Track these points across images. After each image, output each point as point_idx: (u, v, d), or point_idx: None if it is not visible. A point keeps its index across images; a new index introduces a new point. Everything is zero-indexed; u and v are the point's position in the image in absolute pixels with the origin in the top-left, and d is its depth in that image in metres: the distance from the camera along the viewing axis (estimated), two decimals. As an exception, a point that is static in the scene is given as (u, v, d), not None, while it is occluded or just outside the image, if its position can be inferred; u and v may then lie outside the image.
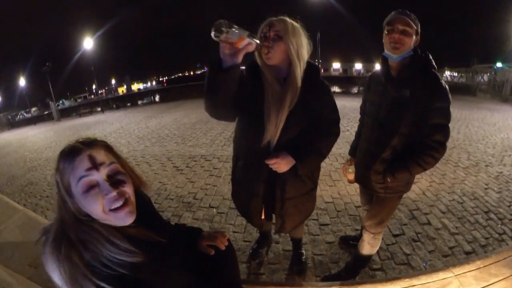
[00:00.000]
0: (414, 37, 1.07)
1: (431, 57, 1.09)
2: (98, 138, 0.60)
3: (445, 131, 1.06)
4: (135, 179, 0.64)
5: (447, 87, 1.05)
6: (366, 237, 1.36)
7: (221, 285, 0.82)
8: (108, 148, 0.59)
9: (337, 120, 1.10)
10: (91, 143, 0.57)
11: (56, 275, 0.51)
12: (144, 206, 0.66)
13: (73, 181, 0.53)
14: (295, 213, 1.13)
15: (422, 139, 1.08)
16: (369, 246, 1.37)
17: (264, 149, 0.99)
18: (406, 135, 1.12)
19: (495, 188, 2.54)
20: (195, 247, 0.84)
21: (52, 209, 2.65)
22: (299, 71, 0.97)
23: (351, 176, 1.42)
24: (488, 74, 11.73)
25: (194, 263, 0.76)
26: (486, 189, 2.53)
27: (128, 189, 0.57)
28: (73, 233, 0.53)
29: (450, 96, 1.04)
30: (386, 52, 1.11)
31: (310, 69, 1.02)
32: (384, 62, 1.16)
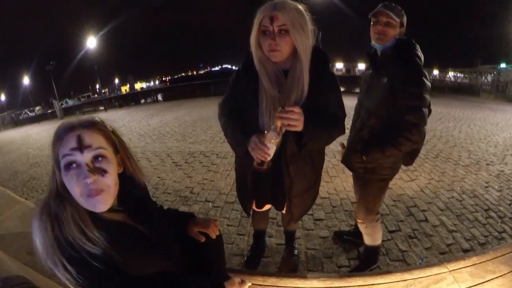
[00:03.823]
0: (398, 29, 1.12)
1: (416, 46, 1.12)
2: (101, 121, 0.60)
3: (416, 112, 1.06)
4: (129, 168, 0.64)
5: (424, 72, 1.08)
6: (362, 228, 1.38)
7: (207, 271, 0.82)
8: (104, 132, 0.58)
9: (342, 116, 0.98)
10: (87, 124, 0.56)
11: (37, 241, 0.52)
12: (135, 194, 0.66)
13: (60, 155, 0.54)
14: (302, 205, 1.11)
15: (396, 120, 1.11)
16: (369, 237, 1.37)
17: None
18: (384, 117, 1.15)
19: (496, 187, 2.50)
20: (185, 232, 0.83)
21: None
22: (307, 64, 0.85)
23: None
24: (492, 74, 11.60)
25: (181, 248, 0.75)
26: (486, 187, 2.50)
27: (109, 180, 0.56)
28: (53, 206, 0.54)
29: (425, 81, 1.07)
30: (372, 42, 1.17)
31: (318, 58, 0.88)
32: (375, 51, 1.20)
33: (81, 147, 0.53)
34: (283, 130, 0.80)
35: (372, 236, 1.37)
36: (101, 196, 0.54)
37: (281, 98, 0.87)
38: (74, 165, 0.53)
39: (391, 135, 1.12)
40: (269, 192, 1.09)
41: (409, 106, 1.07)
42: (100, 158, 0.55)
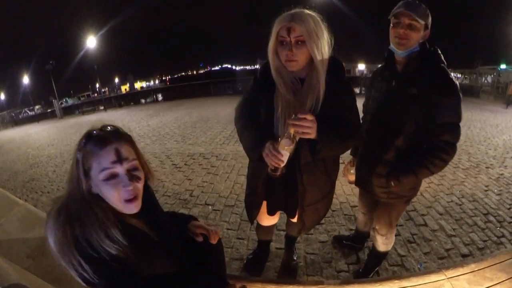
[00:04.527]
0: (422, 32, 0.97)
1: (439, 52, 1.01)
2: (122, 130, 0.65)
3: (455, 131, 0.97)
4: (147, 172, 0.70)
5: (457, 83, 0.97)
6: (379, 238, 1.33)
7: (207, 274, 0.84)
8: (131, 143, 0.65)
9: (357, 124, 0.98)
10: (119, 136, 0.62)
11: (51, 239, 0.56)
12: (148, 198, 0.71)
13: (96, 167, 0.58)
14: (315, 213, 1.10)
15: (429, 139, 0.99)
16: (385, 245, 1.35)
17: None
18: (412, 135, 1.03)
19: (495, 190, 2.51)
20: (185, 233, 0.85)
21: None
22: (323, 73, 0.86)
23: (353, 177, 1.37)
24: (492, 75, 11.59)
25: (182, 251, 0.78)
26: (486, 191, 2.50)
27: (140, 185, 0.64)
28: (75, 208, 0.58)
29: (460, 92, 0.96)
30: (392, 46, 1.03)
31: (334, 67, 0.90)
32: (390, 56, 1.07)
33: (121, 160, 0.60)
34: (297, 138, 0.81)
35: (388, 244, 1.35)
36: (137, 201, 0.63)
37: (296, 105, 0.89)
38: (114, 175, 0.60)
39: (423, 156, 1.00)
40: (282, 199, 1.09)
41: (447, 123, 0.96)
42: (133, 168, 0.62)
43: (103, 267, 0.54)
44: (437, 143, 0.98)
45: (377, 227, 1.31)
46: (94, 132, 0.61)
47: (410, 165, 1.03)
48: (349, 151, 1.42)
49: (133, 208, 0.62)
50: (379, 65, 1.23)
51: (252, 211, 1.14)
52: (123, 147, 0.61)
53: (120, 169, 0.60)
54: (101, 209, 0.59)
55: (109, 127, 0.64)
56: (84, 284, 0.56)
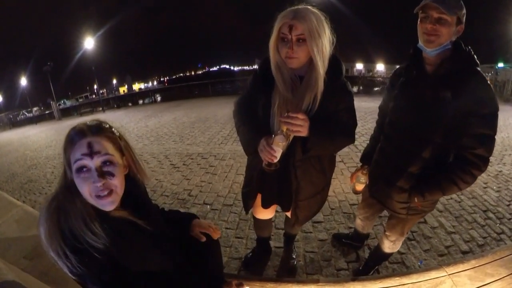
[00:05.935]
0: (454, 26, 0.85)
1: (473, 53, 0.90)
2: (108, 126, 0.65)
3: (490, 144, 0.87)
4: (134, 169, 0.69)
5: (493, 89, 0.88)
6: (387, 242, 1.29)
7: (203, 272, 0.84)
8: (110, 138, 0.63)
9: (353, 125, 0.96)
10: (97, 130, 0.62)
11: (42, 230, 0.57)
12: (136, 193, 0.71)
13: (71, 158, 0.60)
14: (308, 209, 1.11)
15: (459, 151, 0.90)
16: (390, 248, 1.33)
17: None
18: (439, 145, 0.93)
19: (494, 187, 2.51)
20: (185, 233, 0.87)
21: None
22: (322, 72, 0.85)
23: (360, 187, 1.29)
24: (490, 74, 11.66)
25: (178, 248, 0.79)
26: (485, 188, 2.50)
27: (116, 182, 0.61)
28: (62, 197, 0.60)
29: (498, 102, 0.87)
30: (420, 43, 0.91)
31: (333, 66, 0.89)
32: (417, 55, 0.95)
33: (92, 153, 0.59)
34: (290, 135, 0.83)
35: (395, 248, 1.33)
36: (110, 197, 0.61)
37: (293, 102, 0.89)
38: (85, 169, 0.59)
39: (452, 171, 0.91)
40: (276, 192, 1.10)
41: (482, 135, 0.85)
42: (108, 163, 0.61)
43: (87, 258, 0.55)
44: (469, 156, 0.87)
45: (387, 233, 1.26)
46: (76, 126, 0.62)
47: (436, 180, 0.94)
48: (345, 152, 1.37)
49: (106, 205, 0.61)
50: (400, 65, 1.11)
51: (247, 202, 1.17)
52: (99, 141, 0.60)
53: (91, 163, 0.59)
54: (81, 201, 0.60)
55: (92, 122, 0.64)
56: (72, 276, 0.57)
